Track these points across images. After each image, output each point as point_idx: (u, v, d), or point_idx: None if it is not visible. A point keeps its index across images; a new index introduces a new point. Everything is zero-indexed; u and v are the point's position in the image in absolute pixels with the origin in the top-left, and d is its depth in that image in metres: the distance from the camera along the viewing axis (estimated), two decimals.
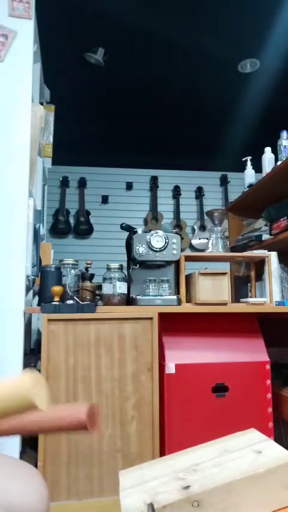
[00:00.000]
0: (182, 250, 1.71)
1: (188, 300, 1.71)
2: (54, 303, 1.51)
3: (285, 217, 2.03)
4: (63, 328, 1.48)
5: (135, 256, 1.64)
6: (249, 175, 2.48)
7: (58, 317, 1.47)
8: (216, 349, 1.60)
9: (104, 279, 1.71)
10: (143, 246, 1.64)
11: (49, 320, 1.47)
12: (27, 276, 1.64)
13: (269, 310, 1.69)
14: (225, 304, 1.65)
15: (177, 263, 1.74)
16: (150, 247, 1.64)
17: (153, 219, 4.15)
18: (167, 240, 1.65)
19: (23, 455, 1.53)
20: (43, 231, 2.44)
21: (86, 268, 1.69)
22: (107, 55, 2.58)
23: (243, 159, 2.52)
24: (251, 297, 1.99)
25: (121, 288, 1.69)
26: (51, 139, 2.45)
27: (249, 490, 0.57)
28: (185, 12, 2.26)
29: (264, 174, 2.26)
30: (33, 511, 0.58)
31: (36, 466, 1.41)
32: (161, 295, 1.67)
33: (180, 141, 3.80)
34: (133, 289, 1.72)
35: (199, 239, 4.15)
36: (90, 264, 1.69)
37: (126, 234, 1.80)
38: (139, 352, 1.51)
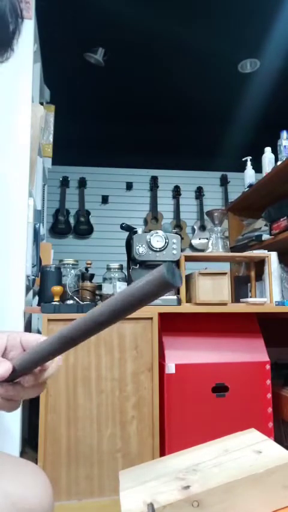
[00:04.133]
0: (182, 250, 1.71)
1: (188, 300, 1.71)
2: (54, 303, 1.51)
3: (285, 217, 2.03)
4: None
5: (135, 256, 1.64)
6: (249, 176, 2.48)
7: (58, 317, 1.47)
8: (216, 349, 1.60)
9: (104, 279, 1.71)
10: (143, 246, 1.64)
11: (49, 320, 1.47)
12: (27, 276, 1.64)
13: (269, 310, 1.69)
14: (225, 304, 1.65)
15: (177, 263, 1.74)
16: (150, 247, 1.64)
17: (153, 219, 4.15)
18: (167, 240, 1.65)
19: (23, 455, 1.53)
20: (43, 231, 2.44)
21: (86, 268, 1.69)
22: (107, 55, 2.58)
23: (243, 159, 2.52)
24: (251, 297, 1.99)
25: (121, 288, 1.69)
26: (51, 139, 2.45)
27: (249, 490, 0.57)
28: (185, 12, 2.26)
29: (264, 174, 2.26)
30: (40, 505, 0.58)
31: None
32: None
33: (180, 141, 3.80)
34: None
35: (199, 239, 4.15)
36: (90, 264, 1.69)
37: (126, 234, 1.80)
38: (139, 352, 1.51)
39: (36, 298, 2.10)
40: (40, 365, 0.49)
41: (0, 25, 0.58)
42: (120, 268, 1.72)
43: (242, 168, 2.56)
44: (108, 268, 1.72)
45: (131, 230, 1.75)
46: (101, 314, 0.43)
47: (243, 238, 2.48)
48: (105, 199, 4.15)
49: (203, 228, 4.19)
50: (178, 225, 4.16)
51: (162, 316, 1.63)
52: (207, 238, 2.33)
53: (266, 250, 2.00)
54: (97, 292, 1.72)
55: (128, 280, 1.74)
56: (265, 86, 2.94)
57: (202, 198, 4.29)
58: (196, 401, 1.51)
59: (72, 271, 1.70)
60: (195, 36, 2.44)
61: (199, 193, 4.30)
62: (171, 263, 0.40)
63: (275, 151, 2.26)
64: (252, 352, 1.61)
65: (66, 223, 4.04)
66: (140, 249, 1.63)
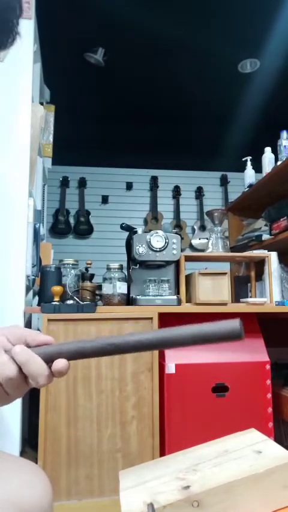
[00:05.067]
0: (182, 250, 1.71)
1: (188, 300, 1.71)
2: (54, 303, 1.51)
3: (285, 217, 2.03)
4: (63, 328, 1.48)
5: (135, 256, 1.64)
6: (249, 176, 2.48)
7: (58, 317, 1.47)
8: (216, 349, 1.60)
9: (104, 279, 1.71)
10: (143, 246, 1.64)
11: (49, 320, 1.47)
12: (27, 276, 1.64)
13: (269, 310, 1.69)
14: (225, 304, 1.65)
15: (177, 263, 1.74)
16: (150, 247, 1.64)
17: (153, 219, 4.15)
18: (167, 240, 1.65)
19: (23, 455, 1.53)
20: (43, 231, 2.44)
21: (86, 268, 1.69)
22: (107, 55, 2.58)
23: (243, 159, 2.52)
24: (251, 297, 1.99)
25: (121, 288, 1.69)
26: (51, 139, 2.45)
27: (249, 490, 0.57)
28: (185, 12, 2.26)
29: (264, 174, 2.26)
30: (40, 504, 0.58)
31: None
32: (161, 295, 1.67)
33: (180, 141, 3.80)
34: (133, 289, 1.72)
35: (199, 239, 4.15)
36: (90, 264, 1.69)
37: (126, 234, 1.80)
38: (139, 352, 1.51)
39: (36, 298, 2.10)
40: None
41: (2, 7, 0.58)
42: (120, 268, 1.72)
43: (242, 168, 2.55)
44: (108, 268, 1.72)
45: (131, 230, 1.74)
46: (166, 337, 0.50)
47: (243, 238, 2.48)
48: (105, 199, 4.15)
49: (203, 228, 4.19)
50: (178, 225, 4.16)
51: (162, 316, 1.63)
52: (207, 238, 2.33)
53: (266, 250, 2.00)
54: (97, 292, 1.72)
55: (128, 280, 1.74)
56: (265, 86, 2.94)
57: (202, 198, 4.29)
58: (196, 401, 1.51)
59: (72, 271, 1.70)
60: (195, 36, 2.44)
61: (199, 193, 4.29)
62: (241, 321, 0.48)
63: (275, 151, 2.26)
64: (252, 352, 1.61)
65: (66, 223, 4.04)
66: (140, 249, 1.63)
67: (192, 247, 4.16)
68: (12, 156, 1.63)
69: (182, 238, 2.11)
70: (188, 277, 1.75)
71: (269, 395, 1.56)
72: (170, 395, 1.50)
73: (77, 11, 2.23)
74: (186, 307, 1.64)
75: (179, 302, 1.65)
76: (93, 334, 1.49)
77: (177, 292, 1.73)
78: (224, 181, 4.36)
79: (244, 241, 2.44)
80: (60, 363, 0.48)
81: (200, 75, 2.83)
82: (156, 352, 1.53)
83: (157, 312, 1.55)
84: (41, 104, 2.32)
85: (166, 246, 1.65)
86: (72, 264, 1.73)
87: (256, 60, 2.67)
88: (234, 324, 0.48)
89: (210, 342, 0.48)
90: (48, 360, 0.49)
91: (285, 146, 2.17)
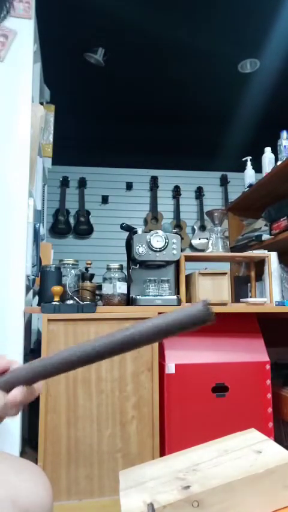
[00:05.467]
0: (182, 250, 1.71)
1: (188, 300, 1.71)
2: (54, 303, 1.51)
3: (285, 217, 2.03)
4: (63, 328, 1.48)
5: (135, 256, 1.64)
6: (249, 176, 2.48)
7: (58, 317, 1.47)
8: (216, 349, 1.60)
9: (104, 279, 1.71)
10: (143, 246, 1.64)
11: (49, 320, 1.47)
12: (27, 276, 1.64)
13: (269, 310, 1.69)
14: (225, 304, 1.65)
15: (177, 263, 1.74)
16: (150, 247, 1.64)
17: (153, 219, 4.14)
18: (167, 240, 1.65)
19: (23, 455, 1.53)
20: (43, 231, 2.44)
21: (86, 268, 1.69)
22: (107, 55, 2.58)
23: (243, 159, 2.52)
24: (251, 297, 1.99)
25: (121, 288, 1.69)
26: (51, 139, 2.45)
27: (249, 490, 0.57)
28: (185, 12, 2.26)
29: (264, 174, 2.26)
30: (40, 504, 0.58)
31: None
32: (161, 295, 1.67)
33: (180, 141, 3.80)
34: (133, 289, 1.72)
35: (199, 239, 4.15)
36: (90, 264, 1.69)
37: (126, 234, 1.80)
38: (139, 352, 1.51)
39: (36, 298, 2.10)
40: (44, 378, 0.47)
41: None
42: (120, 268, 1.72)
43: (242, 168, 2.55)
44: (108, 268, 1.72)
45: (131, 230, 1.74)
46: (134, 334, 0.46)
47: (243, 238, 2.48)
48: (105, 199, 4.15)
49: (203, 228, 4.18)
50: (178, 225, 4.16)
51: None
52: (207, 238, 2.33)
53: (266, 250, 2.00)
54: (97, 292, 1.72)
55: (128, 280, 1.74)
56: (265, 86, 2.94)
57: (202, 198, 4.29)
58: (196, 402, 1.51)
59: (72, 271, 1.70)
60: (195, 36, 2.44)
61: (199, 193, 4.29)
62: (207, 302, 0.41)
63: (275, 151, 2.26)
64: (252, 352, 1.61)
65: (66, 223, 4.04)
66: (140, 249, 1.63)
67: (192, 247, 4.16)
68: (12, 156, 1.63)
69: (182, 238, 2.11)
70: (188, 277, 1.75)
71: (269, 395, 1.56)
72: (170, 395, 1.50)
73: (77, 11, 2.23)
74: None
75: (179, 302, 1.65)
76: (93, 334, 1.49)
77: (177, 292, 1.73)
78: (224, 181, 4.36)
79: (244, 241, 2.44)
80: (12, 394, 0.45)
81: (200, 75, 2.83)
82: (156, 352, 1.53)
83: (157, 312, 1.55)
84: (41, 103, 2.32)
85: (166, 246, 1.64)
86: (72, 264, 1.73)
87: (256, 60, 2.67)
88: (197, 307, 0.41)
89: (176, 333, 0.44)
90: (10, 388, 0.45)
91: (285, 146, 2.17)
